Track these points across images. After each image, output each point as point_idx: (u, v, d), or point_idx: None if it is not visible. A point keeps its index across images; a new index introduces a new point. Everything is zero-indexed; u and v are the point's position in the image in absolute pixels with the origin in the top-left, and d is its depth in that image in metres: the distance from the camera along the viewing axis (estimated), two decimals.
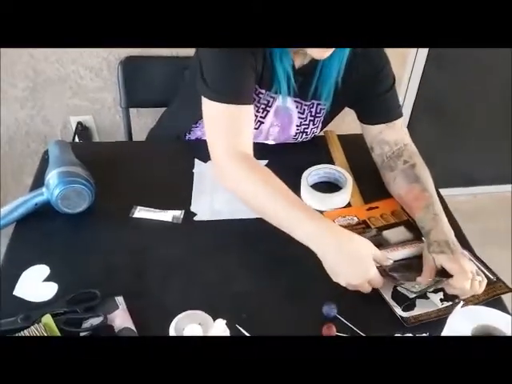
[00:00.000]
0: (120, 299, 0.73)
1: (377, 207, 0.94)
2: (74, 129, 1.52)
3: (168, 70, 1.37)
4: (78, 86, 1.45)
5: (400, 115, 0.98)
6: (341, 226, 0.88)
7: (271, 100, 0.98)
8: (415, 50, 1.59)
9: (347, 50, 0.90)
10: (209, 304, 0.70)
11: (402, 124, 0.99)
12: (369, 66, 0.95)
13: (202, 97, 0.87)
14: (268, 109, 0.99)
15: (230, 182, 0.85)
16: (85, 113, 1.51)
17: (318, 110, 1.02)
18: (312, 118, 1.03)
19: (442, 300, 0.76)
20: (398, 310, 0.75)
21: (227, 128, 0.85)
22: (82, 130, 1.52)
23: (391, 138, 0.96)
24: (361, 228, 0.89)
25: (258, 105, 0.98)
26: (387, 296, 0.77)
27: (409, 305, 0.76)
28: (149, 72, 1.37)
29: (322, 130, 1.09)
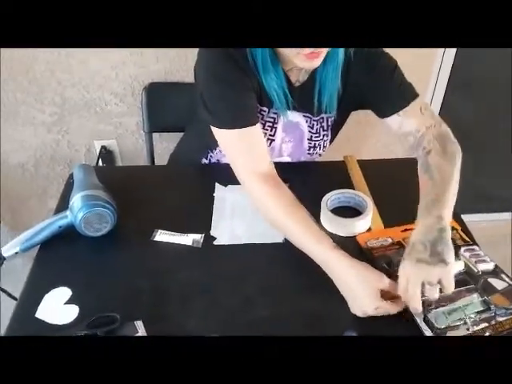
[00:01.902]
0: (139, 323, 0.73)
1: (411, 229, 0.92)
2: (97, 153, 1.55)
3: (190, 95, 1.39)
4: (103, 111, 1.49)
5: (412, 97, 0.95)
6: (372, 247, 0.88)
7: (276, 117, 0.99)
8: (436, 75, 1.59)
9: (340, 57, 0.90)
10: (228, 329, 0.70)
11: (420, 106, 0.95)
12: (365, 60, 0.94)
13: (211, 126, 0.91)
14: (275, 126, 1.00)
15: (257, 204, 0.89)
16: (109, 137, 1.54)
17: (326, 122, 1.04)
18: (321, 131, 1.05)
19: (477, 323, 0.74)
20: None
21: (242, 152, 0.90)
22: (106, 153, 1.55)
23: (411, 127, 0.94)
24: (395, 249, 0.87)
25: (264, 122, 0.99)
26: (419, 318, 0.75)
27: (442, 329, 0.73)
28: (171, 98, 1.40)
29: (332, 139, 1.09)
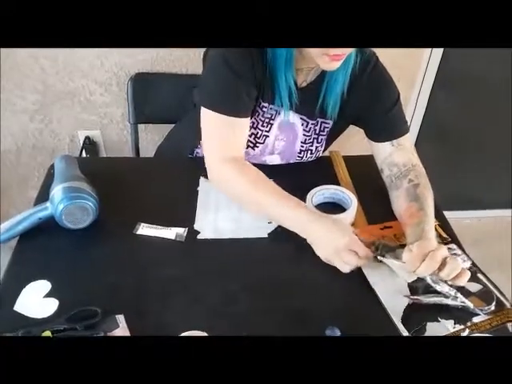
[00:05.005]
0: (121, 318, 0.72)
1: (390, 227, 0.92)
2: (81, 143, 1.53)
3: (177, 87, 1.39)
4: (87, 101, 1.46)
5: (406, 131, 0.99)
6: None
7: (274, 113, 0.99)
8: (423, 71, 1.60)
9: (351, 63, 0.91)
10: (210, 325, 0.69)
11: (410, 144, 0.99)
12: (370, 83, 0.96)
13: (201, 106, 0.91)
14: (272, 122, 1.00)
15: (221, 183, 0.94)
16: (93, 127, 1.52)
17: (322, 128, 1.04)
18: (316, 136, 1.04)
19: (453, 323, 0.75)
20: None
21: (222, 138, 0.92)
22: (90, 144, 1.53)
23: (400, 160, 0.97)
24: (375, 242, 0.86)
25: (263, 119, 0.99)
26: (396, 320, 0.75)
27: (419, 330, 0.74)
28: (158, 89, 1.38)
29: (326, 148, 1.10)
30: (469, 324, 0.75)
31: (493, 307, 0.78)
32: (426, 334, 0.74)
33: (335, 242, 0.81)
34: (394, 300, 0.78)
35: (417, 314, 0.76)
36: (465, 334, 0.72)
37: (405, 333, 0.73)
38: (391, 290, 0.80)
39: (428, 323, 0.75)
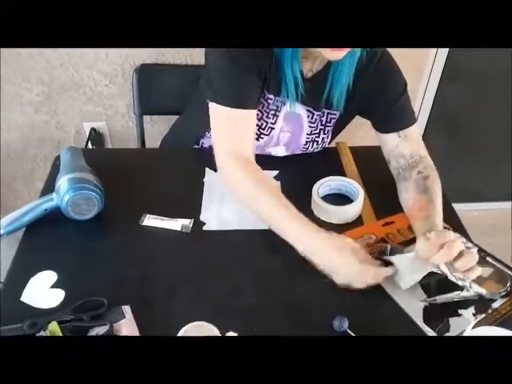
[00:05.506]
0: (127, 308, 0.73)
1: (392, 222, 0.91)
2: (87, 135, 1.52)
3: (182, 78, 1.38)
4: (93, 92, 1.46)
5: (413, 122, 0.98)
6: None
7: (280, 105, 0.98)
8: (431, 63, 1.58)
9: (358, 53, 0.90)
10: (215, 315, 0.69)
11: (418, 136, 0.98)
12: (377, 73, 0.95)
13: (208, 100, 0.90)
14: (277, 114, 0.99)
15: (231, 184, 0.90)
16: (98, 119, 1.52)
17: (329, 119, 1.02)
18: (322, 127, 1.03)
19: (474, 314, 0.74)
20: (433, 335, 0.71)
21: (229, 131, 0.90)
22: (96, 136, 1.52)
23: (407, 151, 0.96)
24: (380, 246, 0.85)
25: (268, 110, 0.98)
26: (420, 322, 0.73)
27: (443, 327, 0.73)
28: (163, 80, 1.38)
29: (332, 139, 1.09)
30: (490, 311, 0.74)
31: (509, 287, 0.77)
32: (451, 329, 0.72)
33: (349, 271, 0.77)
34: (412, 303, 0.76)
35: (436, 311, 0.75)
36: (487, 324, 0.72)
37: (430, 333, 0.72)
38: (407, 293, 0.78)
39: (450, 318, 0.74)
